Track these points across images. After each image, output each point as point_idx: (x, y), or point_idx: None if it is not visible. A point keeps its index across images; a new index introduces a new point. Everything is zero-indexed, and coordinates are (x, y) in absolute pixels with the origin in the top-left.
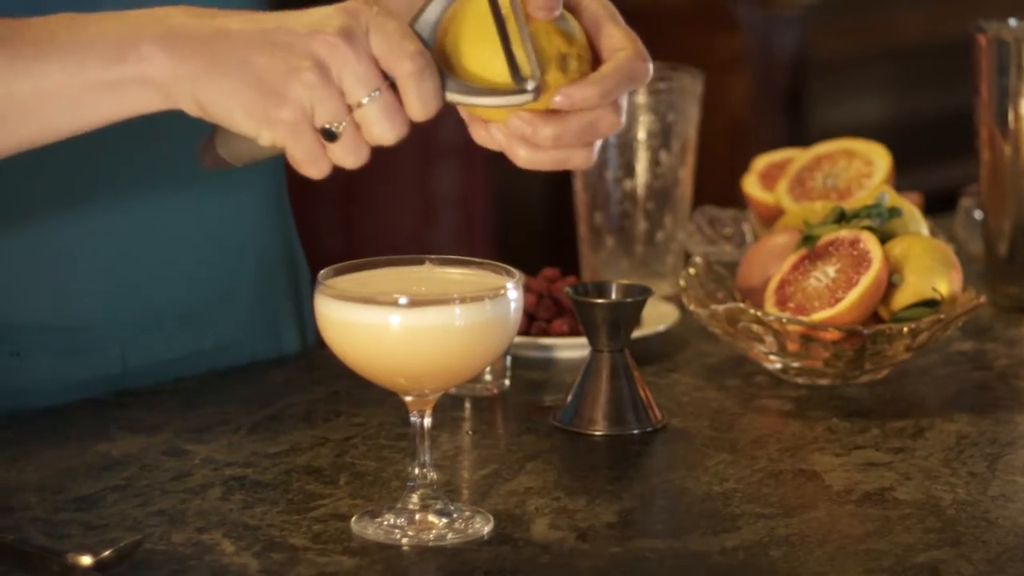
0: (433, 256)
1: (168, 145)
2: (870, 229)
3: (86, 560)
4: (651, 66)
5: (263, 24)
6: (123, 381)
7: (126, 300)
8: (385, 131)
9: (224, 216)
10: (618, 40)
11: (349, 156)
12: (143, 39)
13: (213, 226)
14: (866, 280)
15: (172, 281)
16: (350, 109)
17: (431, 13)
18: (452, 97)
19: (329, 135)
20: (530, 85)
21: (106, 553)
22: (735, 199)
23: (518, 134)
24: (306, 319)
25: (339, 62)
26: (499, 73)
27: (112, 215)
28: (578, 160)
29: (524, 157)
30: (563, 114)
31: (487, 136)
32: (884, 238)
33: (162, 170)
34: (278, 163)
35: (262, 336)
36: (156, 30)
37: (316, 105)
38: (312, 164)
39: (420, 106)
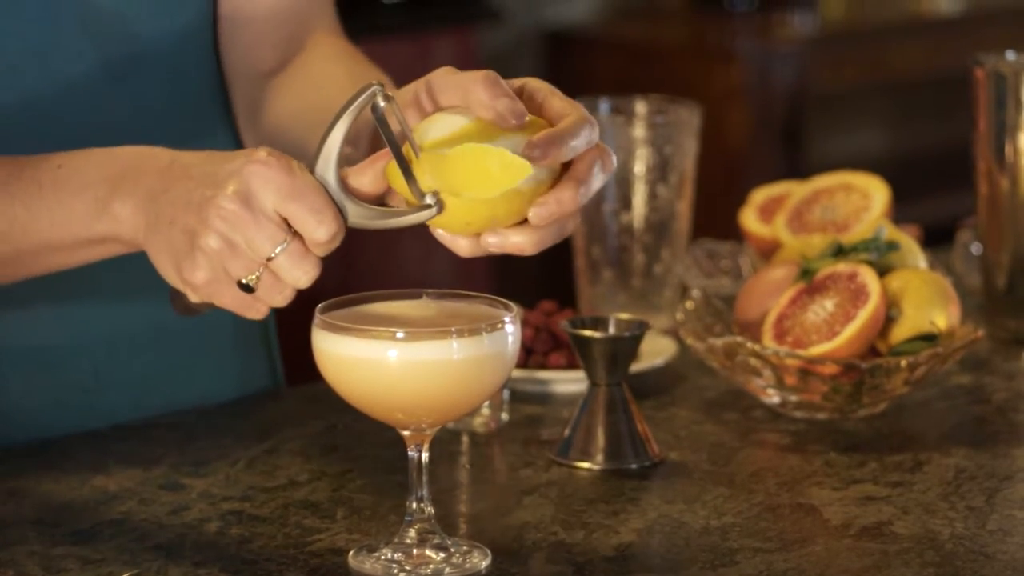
0: (430, 290)
1: None
2: (868, 263)
3: None
4: (601, 137)
5: (196, 173)
6: (97, 396)
7: (97, 321)
8: (299, 277)
9: None
10: (560, 107)
11: (275, 298)
12: (115, 197)
13: None
14: (864, 314)
15: (143, 305)
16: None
17: (333, 144)
18: (356, 223)
19: (246, 288)
20: (430, 199)
21: None
22: (733, 232)
23: (497, 249)
24: (274, 346)
25: (240, 228)
26: (402, 189)
27: None
28: (568, 230)
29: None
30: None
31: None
32: (882, 272)
33: None
34: None
35: (232, 357)
36: (128, 188)
37: (226, 265)
38: (246, 310)
39: (324, 249)
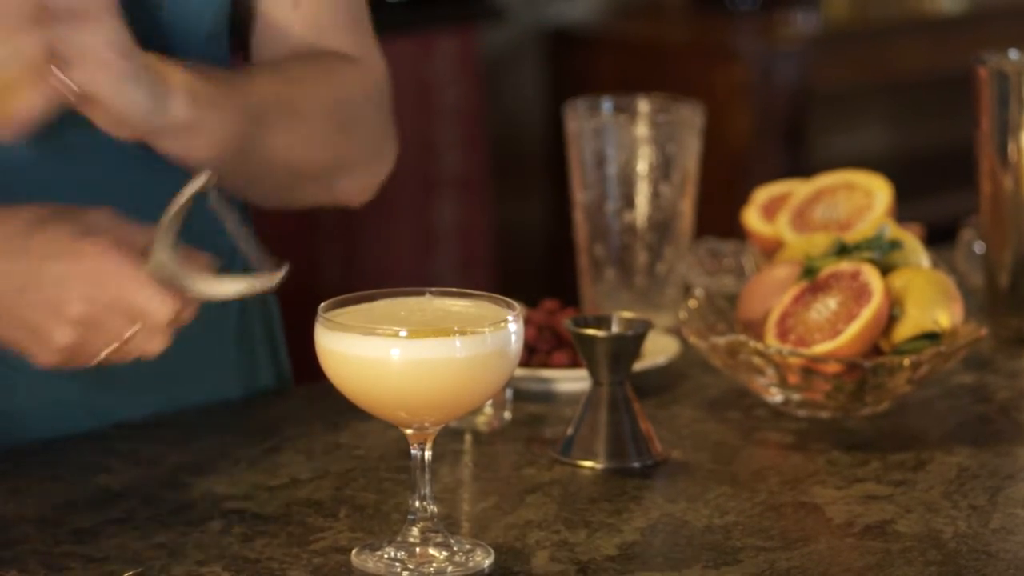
0: (433, 288)
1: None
2: (871, 261)
3: None
4: None
5: (19, 285)
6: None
7: None
8: (154, 350)
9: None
10: None
11: (150, 345)
12: None
13: None
14: (867, 313)
15: None
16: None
17: (167, 229)
18: (200, 294)
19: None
20: (271, 271)
21: None
22: (736, 231)
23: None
24: (279, 345)
25: (90, 344)
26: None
27: None
28: None
29: None
30: None
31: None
32: (885, 270)
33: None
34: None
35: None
36: None
37: (77, 355)
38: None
39: (173, 326)
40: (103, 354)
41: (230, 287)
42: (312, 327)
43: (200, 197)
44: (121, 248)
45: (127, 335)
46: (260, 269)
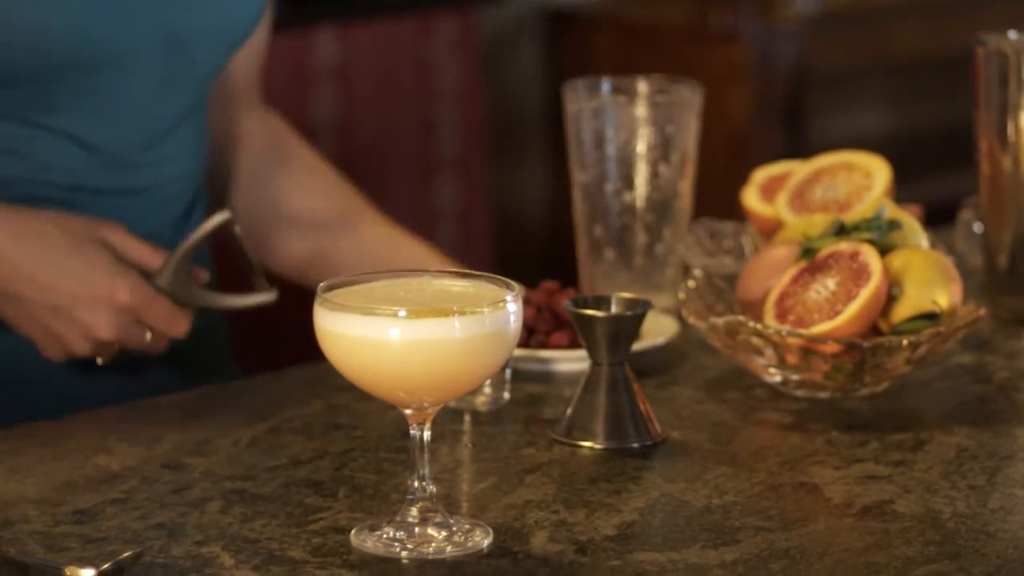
0: (432, 269)
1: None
2: (870, 242)
3: (86, 573)
4: None
5: (43, 303)
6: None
7: None
8: (156, 351)
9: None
10: None
11: (159, 346)
12: None
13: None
14: (866, 293)
15: None
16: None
17: (179, 256)
18: (206, 306)
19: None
20: (269, 289)
21: (105, 566)
22: (735, 212)
23: None
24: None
25: (103, 351)
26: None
27: None
28: None
29: None
30: None
31: None
32: (884, 251)
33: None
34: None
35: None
36: None
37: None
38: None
39: (183, 330)
40: (115, 352)
41: (233, 302)
42: (311, 308)
43: (217, 231)
44: (144, 280)
45: (144, 343)
46: (260, 285)
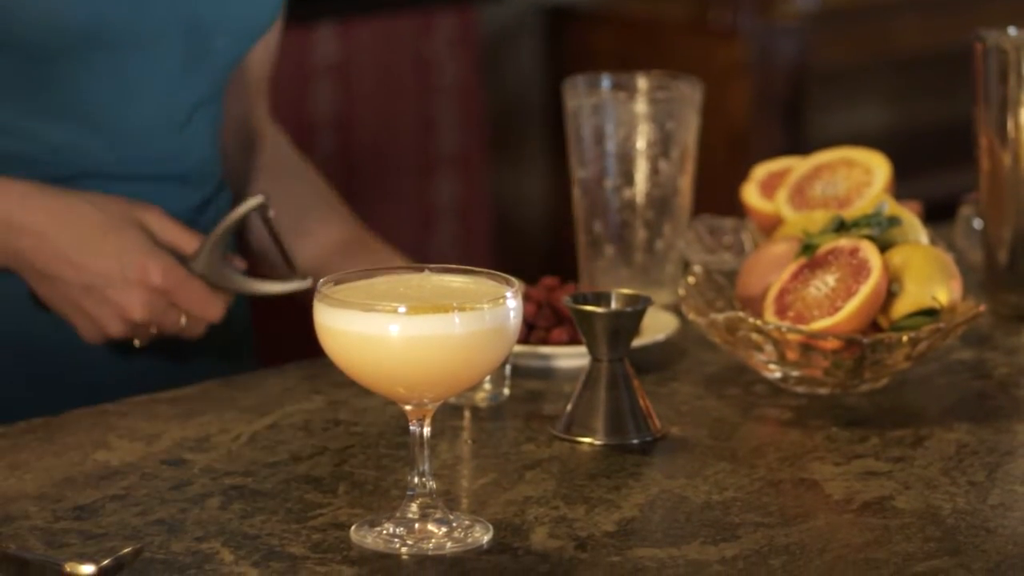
0: (432, 265)
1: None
2: (869, 238)
3: (85, 569)
4: None
5: (77, 282)
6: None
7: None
8: (194, 335)
9: None
10: None
11: (196, 331)
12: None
13: None
14: (865, 289)
15: None
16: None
17: (215, 238)
18: (243, 291)
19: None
20: (304, 276)
21: (105, 562)
22: (734, 208)
23: None
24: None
25: (139, 334)
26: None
27: None
28: None
29: None
30: None
31: None
32: (883, 247)
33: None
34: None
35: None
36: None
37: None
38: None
39: (218, 314)
40: (152, 335)
41: (270, 288)
42: (311, 304)
43: (250, 216)
44: (177, 263)
45: (179, 326)
46: (295, 272)
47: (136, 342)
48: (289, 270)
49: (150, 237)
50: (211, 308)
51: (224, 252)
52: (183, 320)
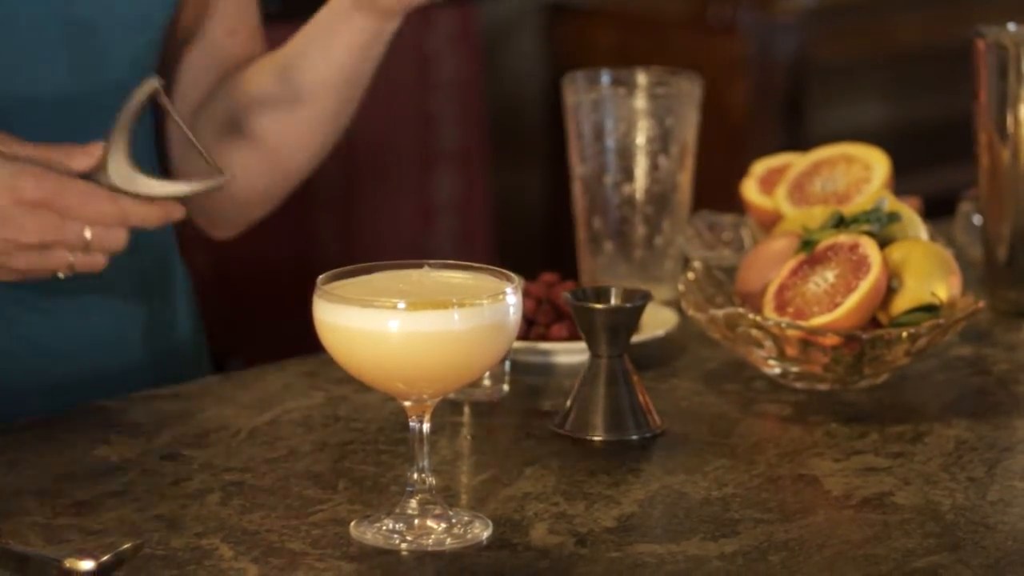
0: (432, 261)
1: None
2: (869, 234)
3: (85, 565)
4: None
5: None
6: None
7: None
8: (116, 246)
9: None
10: None
11: (110, 240)
12: None
13: None
14: (865, 285)
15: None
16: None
17: (118, 140)
18: (150, 194)
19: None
20: (220, 171)
21: (105, 558)
22: (734, 204)
23: None
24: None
25: (52, 258)
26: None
27: None
28: None
29: None
30: None
31: None
32: (883, 243)
33: None
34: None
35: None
36: None
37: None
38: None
39: (116, 210)
40: (69, 262)
41: (184, 187)
42: (310, 300)
43: (147, 102)
44: (47, 171)
45: (85, 239)
46: (210, 168)
47: (60, 275)
48: (205, 164)
49: (13, 158)
50: (104, 203)
51: (129, 154)
52: (87, 232)
